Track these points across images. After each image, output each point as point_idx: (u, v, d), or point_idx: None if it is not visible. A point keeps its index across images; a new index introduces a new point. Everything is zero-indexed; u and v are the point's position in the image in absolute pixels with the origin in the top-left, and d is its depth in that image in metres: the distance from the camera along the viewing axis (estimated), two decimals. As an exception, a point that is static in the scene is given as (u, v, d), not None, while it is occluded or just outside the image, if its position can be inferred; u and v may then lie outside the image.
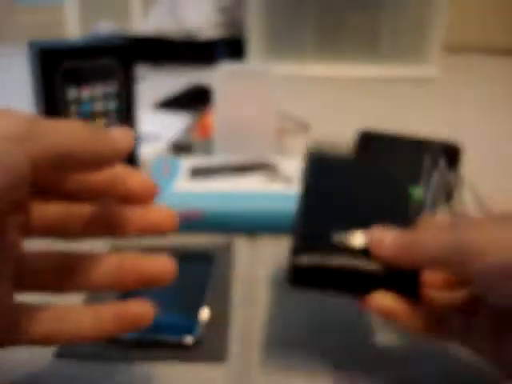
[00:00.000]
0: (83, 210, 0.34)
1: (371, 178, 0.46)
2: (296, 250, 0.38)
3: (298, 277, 0.37)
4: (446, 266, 0.32)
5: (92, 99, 0.67)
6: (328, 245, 0.38)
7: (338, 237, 0.38)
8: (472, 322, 0.36)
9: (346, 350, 0.43)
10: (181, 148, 0.89)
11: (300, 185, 0.46)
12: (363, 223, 0.38)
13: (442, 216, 0.35)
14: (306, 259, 0.37)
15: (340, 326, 0.46)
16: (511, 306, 0.30)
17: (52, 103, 0.65)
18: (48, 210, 0.34)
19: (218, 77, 0.77)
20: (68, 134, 0.28)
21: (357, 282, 0.36)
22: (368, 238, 0.37)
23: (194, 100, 1.07)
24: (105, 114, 0.69)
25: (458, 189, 0.70)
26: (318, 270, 0.37)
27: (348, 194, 0.43)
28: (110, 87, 0.68)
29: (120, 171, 0.34)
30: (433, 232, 0.34)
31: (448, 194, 0.69)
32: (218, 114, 0.78)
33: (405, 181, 0.47)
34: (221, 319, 0.46)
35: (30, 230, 0.34)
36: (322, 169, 0.46)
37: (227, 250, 0.57)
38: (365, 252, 0.37)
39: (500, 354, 0.35)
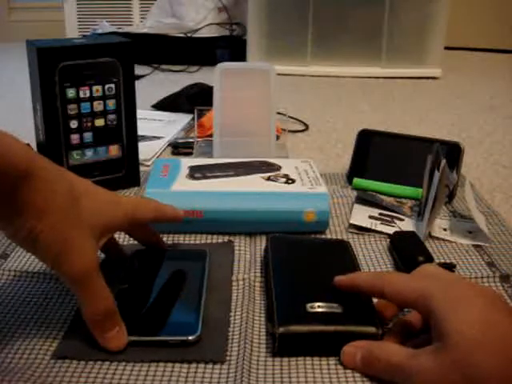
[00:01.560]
0: None
1: (319, 249, 0.55)
2: (280, 322, 0.42)
3: (285, 345, 0.42)
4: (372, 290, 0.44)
5: (91, 98, 0.67)
6: (305, 314, 0.43)
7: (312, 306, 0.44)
8: None
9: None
10: (181, 148, 0.88)
11: (264, 264, 0.54)
12: (324, 292, 0.46)
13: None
14: (292, 328, 0.42)
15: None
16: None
17: (51, 102, 0.65)
18: None
19: (218, 76, 0.77)
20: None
21: (335, 342, 0.42)
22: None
23: (194, 100, 1.07)
24: (104, 114, 0.68)
25: (459, 188, 0.70)
26: (304, 336, 0.42)
27: (305, 267, 0.51)
28: (110, 87, 0.68)
29: None
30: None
31: (449, 193, 0.68)
32: (218, 114, 0.78)
33: (346, 244, 0.56)
34: (221, 319, 0.46)
35: None
36: (282, 248, 0.54)
37: (227, 249, 0.57)
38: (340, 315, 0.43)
39: None
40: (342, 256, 0.54)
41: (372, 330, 0.42)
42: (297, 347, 0.42)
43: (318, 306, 0.44)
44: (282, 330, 0.42)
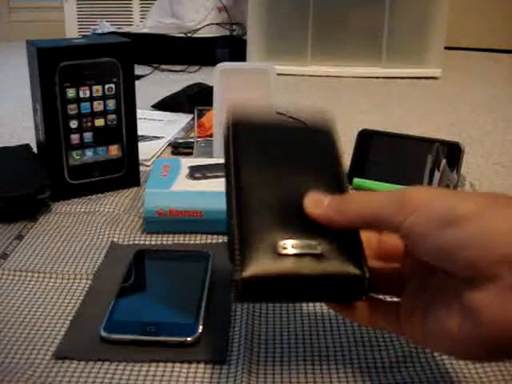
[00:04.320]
0: None
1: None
2: (240, 265, 0.36)
3: (248, 291, 0.35)
4: (380, 220, 0.33)
5: (91, 98, 0.67)
6: (270, 252, 0.36)
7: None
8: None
9: (342, 350, 0.43)
10: (181, 148, 0.88)
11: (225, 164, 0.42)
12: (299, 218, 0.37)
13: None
14: (253, 271, 0.35)
15: (335, 327, 0.46)
16: (435, 265, 0.32)
17: (51, 102, 0.65)
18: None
19: (218, 76, 0.77)
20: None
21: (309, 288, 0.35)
22: (306, 202, 0.37)
23: (194, 100, 1.07)
24: (104, 114, 0.68)
25: (459, 188, 0.70)
26: (268, 281, 0.35)
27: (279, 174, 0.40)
28: (110, 87, 0.68)
29: None
30: (367, 193, 0.37)
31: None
32: (218, 114, 0.78)
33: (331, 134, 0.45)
34: (221, 319, 0.46)
35: None
36: (247, 140, 0.42)
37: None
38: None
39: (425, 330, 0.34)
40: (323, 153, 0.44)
41: (355, 272, 0.35)
42: (263, 293, 0.36)
43: (292, 246, 0.36)
44: (245, 275, 0.35)
